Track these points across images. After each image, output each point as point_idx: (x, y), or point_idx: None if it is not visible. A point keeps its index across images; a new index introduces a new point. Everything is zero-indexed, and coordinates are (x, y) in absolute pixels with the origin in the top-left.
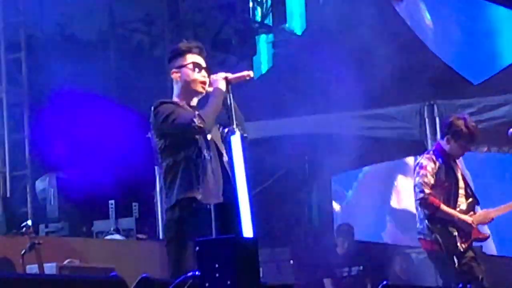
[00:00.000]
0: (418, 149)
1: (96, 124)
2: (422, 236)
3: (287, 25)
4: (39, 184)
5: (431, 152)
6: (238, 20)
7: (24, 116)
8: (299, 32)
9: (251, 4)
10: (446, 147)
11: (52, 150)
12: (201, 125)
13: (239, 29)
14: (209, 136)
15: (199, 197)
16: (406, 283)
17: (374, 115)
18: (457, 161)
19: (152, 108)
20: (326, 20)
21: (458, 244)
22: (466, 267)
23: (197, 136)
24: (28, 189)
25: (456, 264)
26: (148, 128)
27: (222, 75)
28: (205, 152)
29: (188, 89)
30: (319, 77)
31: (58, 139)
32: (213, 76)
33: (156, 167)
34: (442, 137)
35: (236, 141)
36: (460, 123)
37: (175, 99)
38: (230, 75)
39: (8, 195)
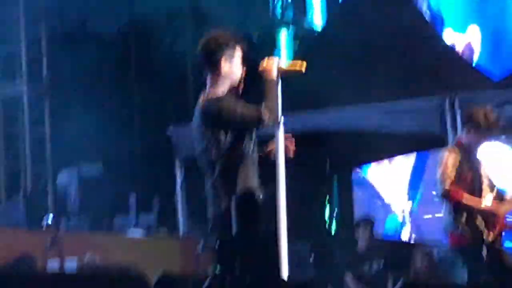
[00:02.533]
0: (439, 143)
1: (116, 118)
2: (449, 231)
3: (307, 20)
4: (60, 179)
5: (453, 145)
6: (258, 15)
7: (45, 112)
8: (319, 28)
9: None
10: (467, 138)
11: (73, 145)
12: (269, 120)
13: (259, 24)
14: None
15: (256, 191)
16: (426, 280)
17: (394, 108)
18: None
19: (208, 104)
20: (345, 16)
21: (485, 234)
22: (496, 257)
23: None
24: (49, 184)
25: (485, 255)
26: (168, 123)
27: (274, 64)
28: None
29: (232, 84)
30: (339, 73)
31: (79, 133)
32: (266, 65)
33: (177, 162)
34: (463, 129)
35: (280, 133)
36: (481, 113)
37: (219, 93)
38: (283, 65)
39: (29, 190)
